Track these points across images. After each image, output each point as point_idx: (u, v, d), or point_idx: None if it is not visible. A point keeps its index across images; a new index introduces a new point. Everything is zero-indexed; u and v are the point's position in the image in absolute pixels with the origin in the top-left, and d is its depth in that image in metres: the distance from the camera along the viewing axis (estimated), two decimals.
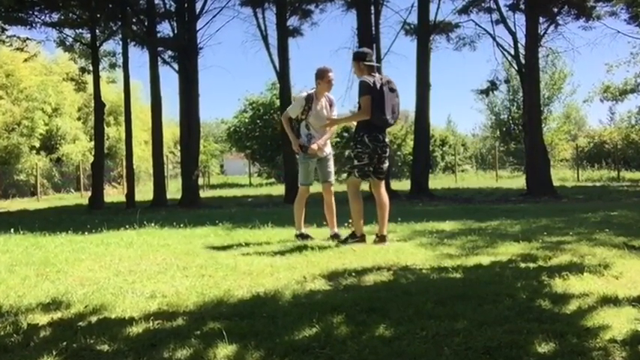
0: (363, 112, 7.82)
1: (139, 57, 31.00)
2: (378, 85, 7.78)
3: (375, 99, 7.74)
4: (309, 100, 8.53)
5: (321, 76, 8.56)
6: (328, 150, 8.85)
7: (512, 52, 23.74)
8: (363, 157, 7.93)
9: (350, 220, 8.55)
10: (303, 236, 8.64)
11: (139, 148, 36.38)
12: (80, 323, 4.46)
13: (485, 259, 6.59)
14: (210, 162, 48.34)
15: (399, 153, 44.43)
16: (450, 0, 24.39)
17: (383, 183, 8.33)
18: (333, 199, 8.87)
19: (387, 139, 8.14)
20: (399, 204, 17.35)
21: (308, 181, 8.78)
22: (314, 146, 8.55)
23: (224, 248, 8.12)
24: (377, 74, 8.00)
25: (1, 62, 35.83)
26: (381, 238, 8.09)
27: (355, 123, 8.15)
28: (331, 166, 8.88)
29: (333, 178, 8.97)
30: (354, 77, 22.82)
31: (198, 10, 22.35)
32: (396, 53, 59.48)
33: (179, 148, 24.89)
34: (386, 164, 8.24)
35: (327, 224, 9.05)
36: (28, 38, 24.51)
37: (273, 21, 22.95)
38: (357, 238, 8.13)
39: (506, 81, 36.67)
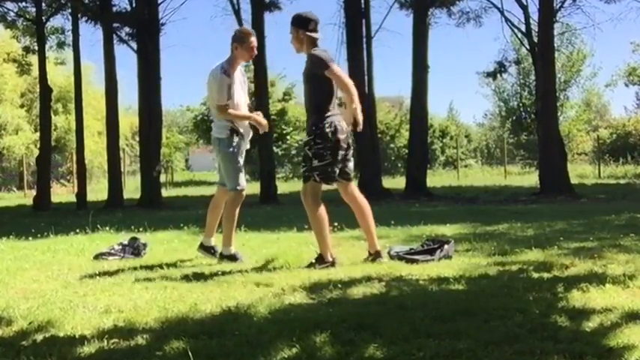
0: (348, 84, 7.31)
1: (92, 34, 30.92)
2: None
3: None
4: (228, 72, 7.79)
5: (242, 39, 7.88)
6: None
7: (524, 28, 23.88)
8: (326, 154, 7.23)
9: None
10: (211, 251, 8.04)
11: (91, 140, 36.27)
12: (23, 342, 4.44)
13: (492, 269, 6.62)
14: (173, 156, 48.23)
15: (392, 145, 44.54)
16: None
17: (353, 183, 7.76)
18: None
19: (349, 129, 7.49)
20: (393, 204, 17.41)
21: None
22: (261, 119, 7.98)
23: (190, 255, 8.13)
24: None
25: None
26: (375, 255, 7.48)
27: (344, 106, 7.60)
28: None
29: None
30: (341, 59, 23.05)
31: None
32: (389, 30, 59.34)
33: (138, 140, 24.81)
34: (352, 161, 7.64)
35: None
36: None
37: None
38: (326, 263, 7.18)
39: (517, 62, 36.77)
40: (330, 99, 7.33)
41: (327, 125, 7.19)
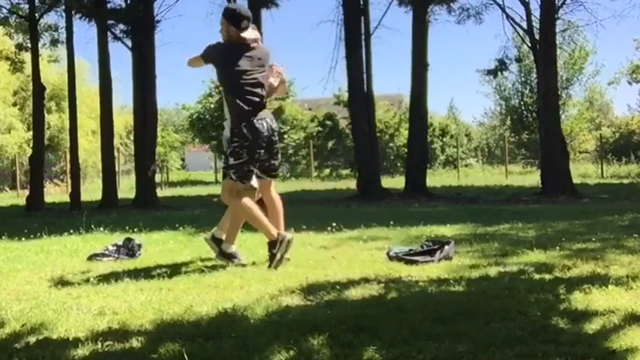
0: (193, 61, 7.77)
1: (86, 32, 31.01)
2: (239, 54, 7.36)
3: (235, 70, 7.34)
4: None
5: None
6: None
7: (525, 25, 23.80)
8: (242, 152, 7.22)
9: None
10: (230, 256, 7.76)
11: (85, 139, 36.23)
12: (16, 345, 4.43)
13: (492, 270, 6.61)
14: (169, 155, 48.23)
15: (391, 144, 44.53)
16: None
17: (274, 183, 7.80)
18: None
19: (274, 125, 7.54)
20: (392, 204, 17.38)
21: None
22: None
23: (186, 257, 8.11)
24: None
25: None
26: (279, 236, 7.28)
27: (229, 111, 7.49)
28: None
29: None
30: (340, 56, 23.10)
31: None
32: (388, 27, 58.99)
33: (132, 139, 24.78)
34: (278, 159, 7.67)
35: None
36: None
37: None
38: (276, 241, 7.19)
39: (518, 60, 36.88)
40: (243, 94, 7.31)
41: (244, 124, 7.21)
